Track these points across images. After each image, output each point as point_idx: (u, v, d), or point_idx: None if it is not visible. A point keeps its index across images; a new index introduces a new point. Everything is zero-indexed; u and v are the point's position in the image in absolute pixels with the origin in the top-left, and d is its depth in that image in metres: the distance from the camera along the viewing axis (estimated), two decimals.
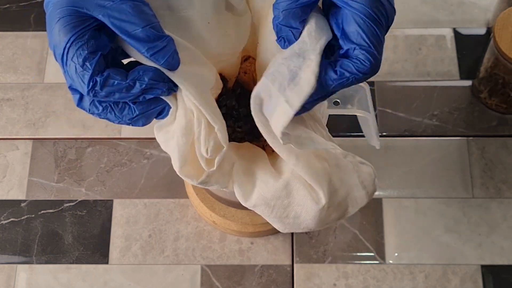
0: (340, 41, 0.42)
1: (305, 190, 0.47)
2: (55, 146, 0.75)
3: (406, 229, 0.70)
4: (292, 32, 0.42)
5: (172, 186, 0.73)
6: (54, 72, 0.79)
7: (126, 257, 0.70)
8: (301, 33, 0.42)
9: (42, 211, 0.72)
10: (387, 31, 0.43)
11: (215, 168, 0.45)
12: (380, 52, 0.41)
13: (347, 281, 0.68)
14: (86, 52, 0.40)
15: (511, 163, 0.73)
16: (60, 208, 0.72)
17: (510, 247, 0.69)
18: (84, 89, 0.41)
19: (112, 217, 0.72)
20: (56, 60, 0.42)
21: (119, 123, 0.44)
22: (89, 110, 0.43)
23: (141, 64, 0.43)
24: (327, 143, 0.46)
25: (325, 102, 0.54)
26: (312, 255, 0.69)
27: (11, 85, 0.79)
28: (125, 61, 0.44)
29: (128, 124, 0.44)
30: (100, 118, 0.44)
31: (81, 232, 0.71)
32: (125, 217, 0.72)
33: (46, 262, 0.70)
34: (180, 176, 0.46)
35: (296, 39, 0.42)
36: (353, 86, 0.54)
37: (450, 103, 0.76)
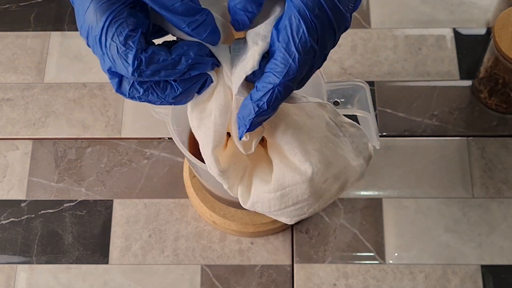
0: (273, 34, 0.40)
1: (292, 171, 0.47)
2: (55, 146, 0.75)
3: (406, 229, 0.70)
4: (247, 16, 0.40)
5: (172, 186, 0.73)
6: (54, 72, 0.79)
7: (126, 257, 0.70)
8: (255, 17, 0.41)
9: (42, 211, 0.72)
10: (333, 40, 0.41)
11: (253, 150, 0.45)
12: (301, 61, 0.39)
13: (347, 281, 0.68)
14: (127, 30, 0.38)
15: (511, 163, 0.73)
16: (60, 208, 0.72)
17: (510, 247, 0.69)
18: (128, 70, 0.39)
19: (112, 217, 0.72)
20: (90, 44, 0.39)
21: (161, 103, 0.42)
22: (129, 94, 0.41)
23: (181, 40, 0.41)
24: (301, 98, 0.45)
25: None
26: (312, 255, 0.69)
27: (11, 85, 0.79)
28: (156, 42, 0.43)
29: (171, 103, 0.42)
30: (141, 101, 0.41)
31: (81, 232, 0.71)
32: (125, 217, 0.72)
33: (46, 262, 0.70)
34: (209, 158, 0.45)
35: (251, 23, 0.41)
36: (353, 86, 0.55)
37: (450, 103, 0.76)
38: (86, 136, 0.76)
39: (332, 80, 0.76)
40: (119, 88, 0.41)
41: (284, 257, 0.69)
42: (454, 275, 0.68)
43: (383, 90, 0.77)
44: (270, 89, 0.40)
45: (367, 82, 0.56)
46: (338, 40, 0.41)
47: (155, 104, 0.42)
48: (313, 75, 0.50)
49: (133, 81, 0.41)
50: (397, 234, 0.70)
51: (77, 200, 0.72)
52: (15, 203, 0.72)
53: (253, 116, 0.41)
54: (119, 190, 0.73)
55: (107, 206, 0.72)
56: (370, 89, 0.61)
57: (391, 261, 0.69)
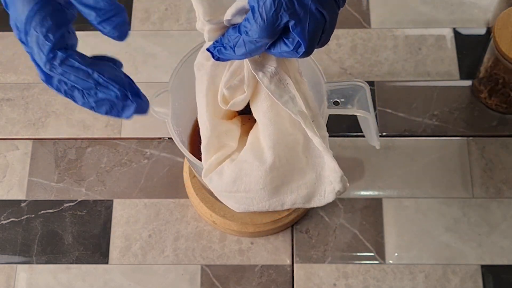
0: None
1: (254, 156, 0.48)
2: (55, 146, 0.75)
3: (406, 229, 0.70)
4: None
5: (172, 186, 0.73)
6: None
7: (126, 257, 0.70)
8: None
9: (42, 211, 0.72)
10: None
11: (226, 108, 0.46)
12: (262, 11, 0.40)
13: (347, 281, 0.68)
14: (51, 23, 0.40)
15: (511, 163, 0.73)
16: (60, 208, 0.72)
17: (510, 247, 0.69)
18: (42, 59, 0.40)
19: (112, 217, 0.72)
20: (16, 34, 0.41)
21: (83, 104, 0.43)
22: (56, 86, 0.43)
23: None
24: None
25: (325, 102, 0.54)
26: (312, 255, 0.69)
27: (11, 85, 0.79)
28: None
29: (91, 108, 0.44)
30: (66, 96, 0.43)
31: (81, 232, 0.71)
32: (125, 217, 0.72)
33: (46, 262, 0.70)
34: (202, 99, 0.46)
35: None
36: (353, 86, 0.55)
37: (450, 103, 0.76)
38: (86, 136, 0.76)
39: (332, 80, 0.76)
40: (48, 80, 0.43)
41: (284, 257, 0.69)
42: (454, 275, 0.68)
43: (383, 90, 0.77)
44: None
45: (367, 82, 0.56)
46: None
47: (77, 103, 0.43)
48: (313, 75, 0.51)
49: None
50: (397, 234, 0.70)
51: (77, 200, 0.72)
52: (15, 203, 0.73)
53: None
54: (119, 190, 0.73)
55: (107, 206, 0.72)
56: (370, 89, 0.61)
57: (391, 261, 0.69)
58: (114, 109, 0.44)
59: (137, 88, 0.44)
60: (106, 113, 0.44)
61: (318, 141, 0.47)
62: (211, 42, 0.45)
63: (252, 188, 0.48)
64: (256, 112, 0.50)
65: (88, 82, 0.42)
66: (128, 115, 0.44)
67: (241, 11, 0.42)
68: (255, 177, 0.47)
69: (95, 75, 0.42)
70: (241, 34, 0.42)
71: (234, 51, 0.43)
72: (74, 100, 0.43)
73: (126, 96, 0.43)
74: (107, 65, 0.43)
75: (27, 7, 0.40)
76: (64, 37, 0.41)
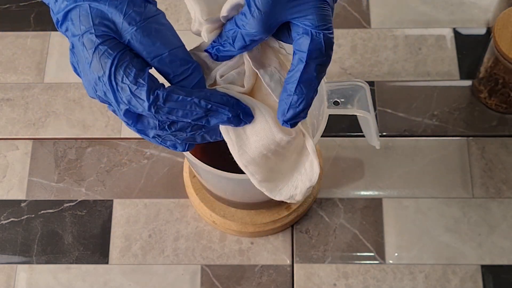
0: None
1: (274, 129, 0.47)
2: (55, 146, 0.75)
3: (406, 229, 0.70)
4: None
5: (172, 186, 0.73)
6: (54, 72, 0.79)
7: (126, 257, 0.70)
8: None
9: (42, 211, 0.72)
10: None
11: (203, 31, 0.45)
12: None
13: (347, 281, 0.68)
14: (134, 70, 0.39)
15: (511, 163, 0.73)
16: (60, 208, 0.72)
17: (510, 247, 0.69)
18: (144, 106, 0.39)
19: (112, 217, 0.72)
20: (101, 95, 0.40)
21: (200, 141, 0.44)
22: (153, 137, 0.42)
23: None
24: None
25: (325, 102, 0.54)
26: (312, 255, 0.69)
27: (11, 85, 0.79)
28: None
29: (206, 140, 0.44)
30: (165, 145, 0.43)
31: (81, 232, 0.71)
32: (125, 217, 0.72)
33: (46, 262, 0.70)
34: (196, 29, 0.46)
35: None
36: (353, 86, 0.55)
37: (450, 103, 0.76)
38: (86, 136, 0.76)
39: (332, 80, 0.76)
40: (141, 132, 0.42)
41: (284, 257, 0.69)
42: (454, 275, 0.68)
43: (383, 90, 0.77)
44: None
45: (367, 82, 0.56)
46: None
47: (196, 142, 0.44)
48: None
49: (156, 127, 0.42)
50: (397, 234, 0.70)
51: (77, 200, 0.72)
52: (15, 203, 0.73)
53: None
54: (119, 190, 0.73)
55: (107, 206, 0.72)
56: (370, 89, 0.61)
57: (391, 261, 0.69)
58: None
59: (244, 105, 0.44)
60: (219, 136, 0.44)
61: (311, 144, 0.47)
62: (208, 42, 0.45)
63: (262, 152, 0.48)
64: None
65: (198, 112, 0.41)
66: None
67: (236, 6, 0.42)
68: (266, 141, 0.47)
69: (203, 102, 0.41)
70: (239, 28, 0.42)
71: (233, 46, 0.43)
72: (185, 139, 0.43)
73: (238, 117, 0.43)
74: (205, 91, 0.42)
75: (107, 65, 0.39)
76: (152, 78, 0.40)
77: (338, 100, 0.55)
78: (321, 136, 0.54)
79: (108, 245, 0.70)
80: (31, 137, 0.76)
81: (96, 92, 0.41)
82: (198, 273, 0.69)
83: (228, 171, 0.53)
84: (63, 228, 0.71)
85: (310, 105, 0.43)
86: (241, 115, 0.43)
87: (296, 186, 0.49)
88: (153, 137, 0.43)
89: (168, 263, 0.69)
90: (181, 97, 0.40)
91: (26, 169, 0.74)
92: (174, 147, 0.45)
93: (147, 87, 0.39)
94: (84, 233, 0.71)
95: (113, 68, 0.39)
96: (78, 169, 0.74)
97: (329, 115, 0.55)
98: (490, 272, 0.68)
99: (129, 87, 0.39)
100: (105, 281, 0.69)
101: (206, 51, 0.45)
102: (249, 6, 0.40)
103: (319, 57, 0.41)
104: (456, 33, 0.80)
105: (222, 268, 0.69)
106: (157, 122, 0.42)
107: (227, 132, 0.46)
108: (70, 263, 0.70)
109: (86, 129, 0.76)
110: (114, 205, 0.72)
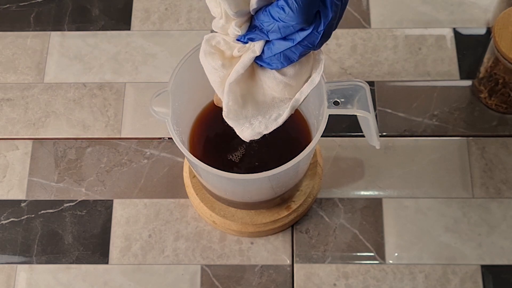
0: None
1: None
2: (55, 146, 0.75)
3: (406, 229, 0.70)
4: None
5: (172, 186, 0.73)
6: (54, 72, 0.79)
7: (126, 257, 0.70)
8: None
9: (42, 211, 0.72)
10: None
11: (225, 28, 0.46)
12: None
13: (347, 281, 0.68)
14: None
15: (511, 163, 0.73)
16: (60, 208, 0.72)
17: (510, 247, 0.69)
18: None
19: (112, 217, 0.72)
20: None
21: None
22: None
23: None
24: None
25: (325, 102, 0.54)
26: (312, 255, 0.69)
27: (11, 85, 0.79)
28: None
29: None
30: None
31: (81, 232, 0.71)
32: (125, 217, 0.72)
33: (46, 262, 0.70)
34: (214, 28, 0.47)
35: None
36: (353, 86, 0.55)
37: (450, 103, 0.76)
38: (86, 136, 0.76)
39: (332, 80, 0.76)
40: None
41: (284, 257, 0.69)
42: (454, 275, 0.68)
43: (383, 90, 0.77)
44: None
45: (367, 82, 0.56)
46: None
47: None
48: None
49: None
50: (397, 234, 0.70)
51: (77, 200, 0.72)
52: (15, 203, 0.73)
53: None
54: (119, 190, 0.73)
55: (107, 206, 0.72)
56: (370, 89, 0.61)
57: (391, 261, 0.69)
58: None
59: None
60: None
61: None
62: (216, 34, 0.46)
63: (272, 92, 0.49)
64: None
65: None
66: None
67: None
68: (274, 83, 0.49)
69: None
70: (276, 21, 0.43)
71: (267, 36, 0.45)
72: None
73: None
74: None
75: None
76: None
77: (338, 100, 0.55)
78: (321, 136, 0.54)
79: (108, 245, 0.70)
80: (31, 137, 0.76)
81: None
82: (198, 273, 0.69)
83: (228, 171, 0.53)
84: (63, 228, 0.71)
85: None
86: None
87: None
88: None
89: (168, 263, 0.69)
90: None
91: (26, 169, 0.74)
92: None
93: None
94: (84, 233, 0.71)
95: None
96: (78, 169, 0.74)
97: (329, 115, 0.55)
98: (490, 272, 0.68)
99: None
100: (105, 281, 0.69)
101: (238, 40, 0.46)
102: (286, 0, 0.42)
103: None
104: (456, 33, 0.80)
105: (222, 268, 0.69)
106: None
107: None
108: (70, 263, 0.70)
109: (86, 129, 0.76)
110: (114, 205, 0.72)
